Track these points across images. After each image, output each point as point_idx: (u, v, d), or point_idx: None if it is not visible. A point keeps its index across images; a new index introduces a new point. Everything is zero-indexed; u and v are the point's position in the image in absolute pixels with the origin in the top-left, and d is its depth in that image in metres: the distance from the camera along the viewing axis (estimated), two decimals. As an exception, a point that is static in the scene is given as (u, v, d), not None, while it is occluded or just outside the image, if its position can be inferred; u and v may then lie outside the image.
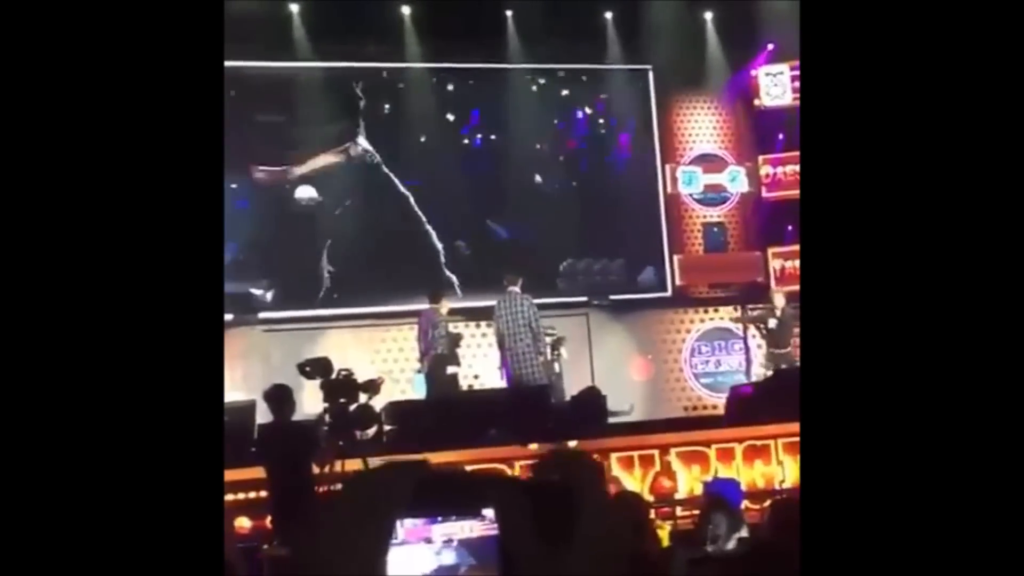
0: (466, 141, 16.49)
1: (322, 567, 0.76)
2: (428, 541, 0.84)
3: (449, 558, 0.84)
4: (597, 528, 0.80)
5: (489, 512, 0.80)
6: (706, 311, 17.16)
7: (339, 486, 0.81)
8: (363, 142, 15.99)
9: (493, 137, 16.59)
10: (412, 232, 15.79)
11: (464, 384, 13.86)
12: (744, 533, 5.66)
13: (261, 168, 15.47)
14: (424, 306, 13.38)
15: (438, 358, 12.96)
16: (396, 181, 15.89)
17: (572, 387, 13.16)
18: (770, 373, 13.58)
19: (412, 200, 15.92)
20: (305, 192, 15.63)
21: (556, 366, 13.93)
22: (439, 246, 15.93)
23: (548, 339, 13.68)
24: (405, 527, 0.82)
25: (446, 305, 13.38)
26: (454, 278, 15.71)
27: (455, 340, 13.49)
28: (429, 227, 15.90)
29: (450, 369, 13.08)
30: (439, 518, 0.83)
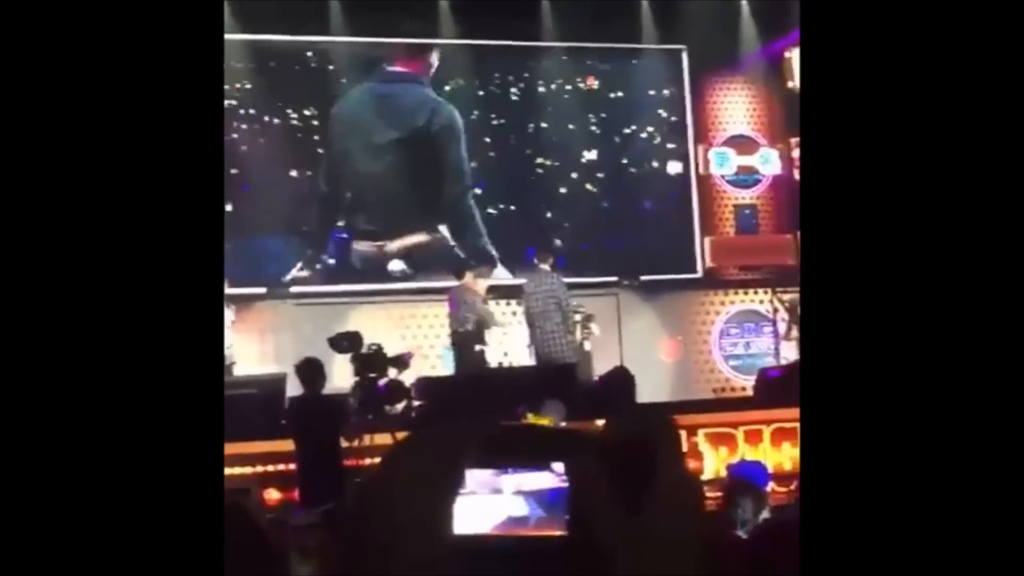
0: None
1: (386, 517, 0.77)
2: (498, 492, 0.84)
3: (519, 509, 0.84)
4: (672, 487, 0.80)
5: (559, 466, 0.80)
6: (736, 293, 17.12)
7: (404, 436, 0.81)
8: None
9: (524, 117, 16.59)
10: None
11: (493, 362, 13.83)
12: (767, 515, 5.66)
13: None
14: (455, 282, 13.40)
15: (465, 335, 12.96)
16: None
17: (601, 367, 13.14)
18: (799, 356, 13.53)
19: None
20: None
21: (586, 344, 13.91)
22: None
23: (577, 316, 13.64)
24: (476, 478, 0.83)
25: (480, 283, 13.35)
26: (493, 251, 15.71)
27: (485, 317, 13.50)
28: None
29: (477, 347, 13.08)
30: (509, 470, 0.83)
